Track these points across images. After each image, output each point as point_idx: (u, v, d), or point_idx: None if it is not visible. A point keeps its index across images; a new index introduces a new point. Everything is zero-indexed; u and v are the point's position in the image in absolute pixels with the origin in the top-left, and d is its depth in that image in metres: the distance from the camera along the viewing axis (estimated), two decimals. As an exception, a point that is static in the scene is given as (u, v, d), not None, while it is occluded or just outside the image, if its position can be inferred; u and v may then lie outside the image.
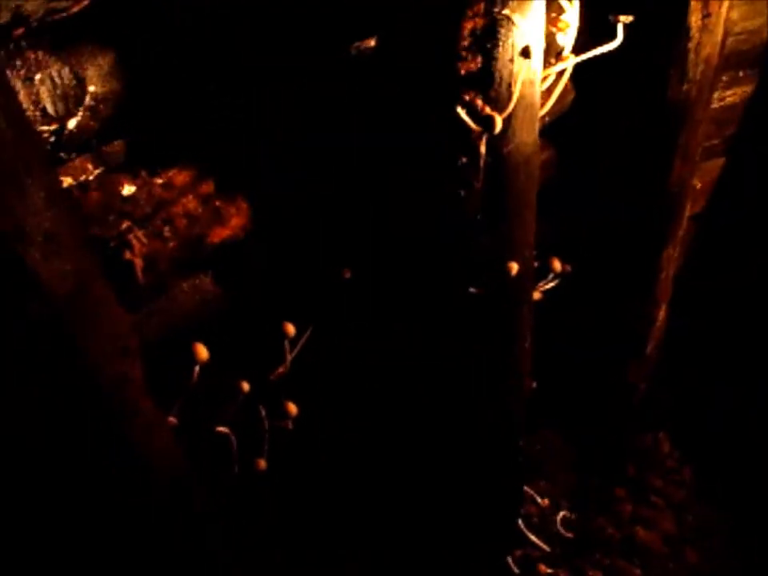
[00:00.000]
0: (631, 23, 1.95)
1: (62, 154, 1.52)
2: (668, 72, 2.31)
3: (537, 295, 2.35)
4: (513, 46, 1.66)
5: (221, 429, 1.90)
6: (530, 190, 1.96)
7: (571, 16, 1.87)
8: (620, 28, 1.92)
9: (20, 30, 1.33)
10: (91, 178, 1.57)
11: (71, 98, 1.47)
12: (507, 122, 1.76)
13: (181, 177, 1.71)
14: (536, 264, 2.27)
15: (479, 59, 1.66)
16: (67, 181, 1.54)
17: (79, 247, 1.26)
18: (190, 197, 1.73)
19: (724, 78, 2.74)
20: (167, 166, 1.70)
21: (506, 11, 1.60)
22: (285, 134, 1.87)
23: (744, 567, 3.06)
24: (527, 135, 1.84)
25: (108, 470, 1.49)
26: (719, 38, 2.31)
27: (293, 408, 1.99)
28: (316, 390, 2.26)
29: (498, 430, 2.46)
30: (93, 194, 1.57)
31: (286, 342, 1.96)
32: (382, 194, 2.07)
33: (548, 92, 1.97)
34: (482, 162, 1.80)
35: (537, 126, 1.88)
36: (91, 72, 1.49)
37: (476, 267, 2.03)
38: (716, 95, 2.69)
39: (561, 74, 1.96)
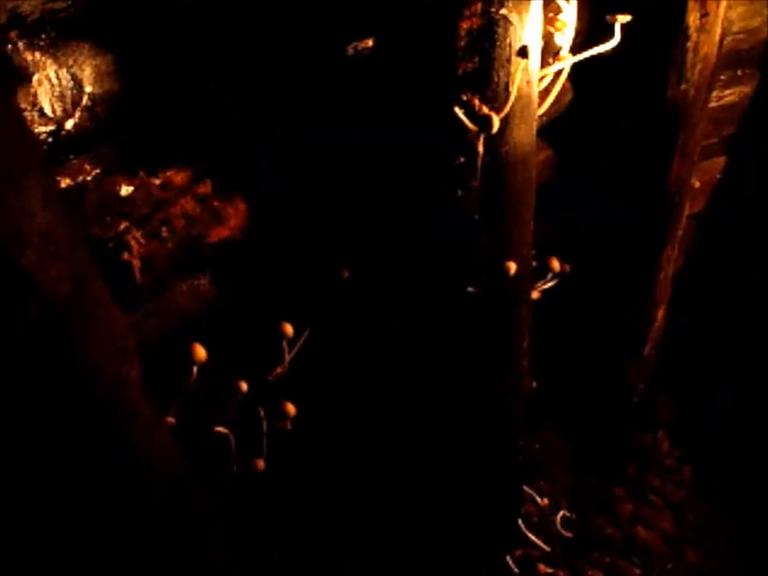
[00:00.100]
0: (629, 23, 1.95)
1: (59, 155, 1.52)
2: (666, 72, 2.32)
3: (535, 295, 2.35)
4: (510, 45, 1.66)
5: (219, 429, 1.90)
6: (527, 190, 1.96)
7: (568, 16, 1.87)
8: (617, 28, 1.92)
9: (17, 31, 1.33)
10: (89, 178, 1.57)
11: (69, 99, 1.48)
12: (505, 121, 1.76)
13: (179, 177, 1.71)
14: (535, 264, 2.27)
15: (476, 59, 1.66)
16: (65, 181, 1.54)
17: (77, 248, 1.26)
18: (188, 197, 1.73)
19: (722, 78, 2.74)
20: (165, 166, 1.70)
21: (503, 11, 1.59)
22: (284, 134, 1.87)
23: (744, 567, 3.06)
24: (525, 135, 1.84)
25: (108, 470, 1.49)
26: (717, 37, 2.31)
27: (291, 408, 1.99)
28: (316, 389, 2.26)
29: (497, 430, 2.46)
30: (90, 195, 1.57)
31: (285, 343, 1.96)
32: (382, 194, 2.07)
33: (546, 92, 1.97)
34: (479, 162, 1.80)
35: (534, 125, 1.88)
36: (89, 73, 1.49)
37: (474, 267, 2.03)
38: (714, 94, 2.70)
39: (558, 73, 1.96)
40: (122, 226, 1.60)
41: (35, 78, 1.41)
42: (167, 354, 1.72)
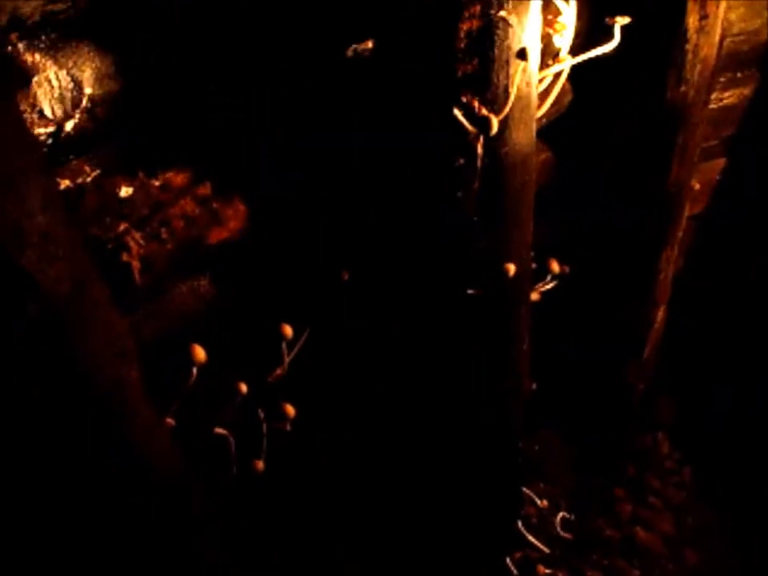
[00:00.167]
0: (629, 24, 1.95)
1: (59, 156, 1.53)
2: (666, 73, 2.32)
3: (535, 296, 2.35)
4: (509, 47, 1.66)
5: (219, 430, 1.91)
6: (526, 192, 1.97)
7: (568, 18, 1.87)
8: (617, 29, 1.92)
9: (17, 33, 1.34)
10: (89, 180, 1.57)
11: (68, 101, 1.48)
12: (504, 123, 1.76)
13: (178, 179, 1.71)
14: (534, 265, 2.27)
15: (476, 61, 1.67)
16: (65, 183, 1.54)
17: (76, 249, 1.27)
18: (188, 199, 1.73)
19: (722, 80, 2.74)
20: (165, 168, 1.70)
21: (502, 13, 1.60)
22: (285, 134, 1.88)
23: (743, 568, 3.06)
24: (524, 136, 1.84)
25: (108, 470, 1.49)
26: (716, 39, 2.31)
27: (291, 410, 1.99)
28: (316, 389, 2.26)
29: (497, 431, 2.46)
30: (90, 196, 1.57)
31: (284, 344, 1.97)
32: (382, 194, 2.07)
33: (545, 93, 1.97)
34: (479, 163, 1.80)
35: (534, 127, 1.89)
36: (88, 74, 1.49)
37: (474, 268, 2.03)
38: (714, 96, 2.70)
39: (558, 75, 1.96)
40: (122, 227, 1.61)
41: (35, 79, 1.42)
42: (167, 354, 1.72)
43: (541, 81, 1.92)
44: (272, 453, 2.02)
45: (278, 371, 2.00)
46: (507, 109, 1.74)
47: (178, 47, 1.62)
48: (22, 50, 1.39)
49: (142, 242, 1.63)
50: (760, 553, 3.08)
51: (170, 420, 1.76)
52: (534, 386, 2.68)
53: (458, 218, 1.93)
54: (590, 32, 2.15)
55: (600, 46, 1.93)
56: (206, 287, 1.89)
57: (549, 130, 2.37)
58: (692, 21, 2.21)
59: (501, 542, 2.94)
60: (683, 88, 2.34)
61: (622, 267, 2.82)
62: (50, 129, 1.47)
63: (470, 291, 2.05)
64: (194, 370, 1.73)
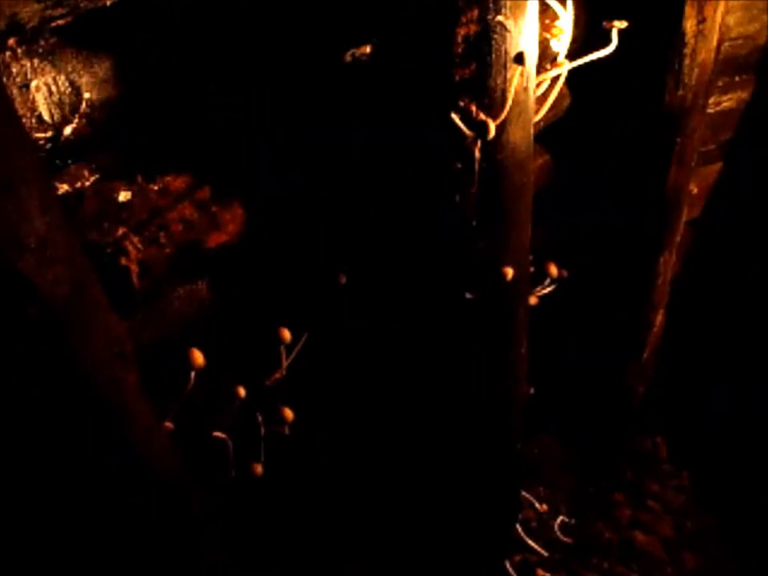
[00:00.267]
0: (627, 29, 1.95)
1: (57, 161, 1.53)
2: (663, 77, 2.32)
3: (533, 300, 2.36)
4: (506, 52, 1.66)
5: (217, 434, 1.91)
6: (524, 196, 1.97)
7: (565, 22, 1.88)
8: (614, 34, 1.92)
9: (16, 37, 1.34)
10: (87, 184, 1.58)
11: (67, 105, 1.48)
12: (501, 127, 1.76)
13: (177, 183, 1.71)
14: (533, 269, 2.27)
15: (473, 65, 1.67)
16: (63, 187, 1.55)
17: (75, 253, 1.27)
18: (187, 203, 1.73)
19: (720, 83, 2.75)
20: (163, 172, 1.70)
21: (499, 18, 1.60)
22: (285, 135, 1.88)
23: (742, 571, 3.06)
24: (521, 140, 1.84)
25: (108, 470, 1.50)
26: (714, 43, 2.31)
27: (289, 414, 1.99)
28: (316, 390, 2.26)
29: (496, 432, 2.46)
30: (89, 201, 1.57)
31: (283, 347, 1.97)
32: (382, 195, 2.08)
33: (543, 97, 1.97)
34: (476, 167, 1.81)
35: (531, 131, 1.89)
36: (87, 79, 1.50)
37: (472, 271, 2.04)
38: (712, 100, 2.70)
39: (555, 79, 1.96)
40: (120, 232, 1.61)
41: (34, 84, 1.42)
42: (165, 358, 1.72)
43: (538, 85, 1.92)
44: (272, 453, 2.02)
45: (277, 375, 2.01)
46: (505, 113, 1.74)
47: (178, 47, 1.62)
48: (20, 54, 1.39)
49: (140, 246, 1.63)
50: (758, 556, 3.08)
51: (168, 424, 1.77)
52: (533, 389, 2.69)
53: (456, 220, 1.94)
54: (587, 36, 2.16)
55: (598, 50, 1.94)
56: (204, 291, 1.89)
57: (547, 134, 2.37)
58: (690, 25, 2.21)
59: (500, 545, 2.94)
60: (681, 92, 2.34)
61: (621, 271, 2.82)
62: (49, 133, 1.48)
63: (468, 295, 2.05)
64: (193, 374, 1.73)
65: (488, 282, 2.05)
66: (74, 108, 1.49)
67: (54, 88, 1.45)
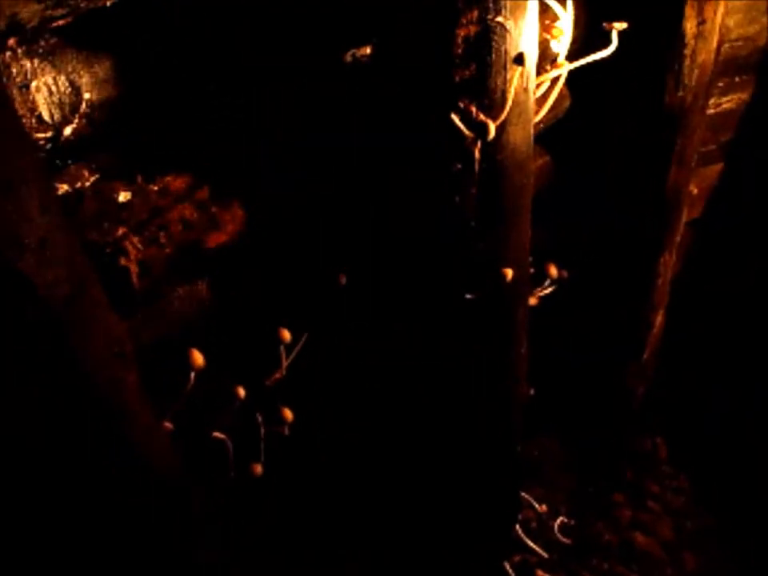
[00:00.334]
0: (627, 30, 1.96)
1: (57, 161, 1.53)
2: (664, 78, 2.32)
3: (533, 301, 2.36)
4: (506, 53, 1.66)
5: (217, 434, 1.91)
6: (524, 197, 1.97)
7: (565, 23, 1.88)
8: (614, 35, 1.93)
9: (16, 38, 1.34)
10: (87, 184, 1.58)
11: (67, 106, 1.49)
12: (501, 128, 1.76)
13: (177, 183, 1.71)
14: (533, 270, 2.27)
15: (473, 66, 1.67)
16: (63, 187, 1.55)
17: (74, 253, 1.27)
18: (187, 203, 1.74)
19: (720, 85, 2.76)
20: (163, 172, 1.70)
21: (499, 19, 1.60)
22: (285, 134, 1.88)
23: (742, 572, 3.06)
24: (521, 141, 1.85)
25: (107, 469, 1.50)
26: (714, 44, 2.31)
27: (289, 414, 1.99)
28: (316, 389, 2.26)
29: (496, 432, 2.46)
30: (89, 201, 1.57)
31: (282, 348, 1.97)
32: (382, 194, 2.08)
33: (543, 98, 1.98)
34: (476, 168, 1.81)
35: (531, 132, 1.89)
36: (87, 79, 1.50)
37: (472, 272, 2.04)
38: (712, 101, 2.70)
39: (555, 80, 1.97)
40: (120, 232, 1.61)
41: (34, 84, 1.42)
42: (165, 359, 1.72)
43: (538, 86, 1.92)
44: (272, 453, 2.02)
45: (277, 375, 2.01)
46: (504, 114, 1.74)
47: (178, 47, 1.62)
48: (21, 54, 1.39)
49: (140, 246, 1.63)
50: (759, 556, 3.08)
51: (168, 424, 1.77)
52: (533, 390, 2.68)
53: (455, 221, 1.94)
54: (587, 37, 2.16)
55: (598, 51, 1.94)
56: (204, 291, 1.89)
57: (547, 135, 2.37)
58: (689, 26, 2.21)
59: (499, 546, 2.94)
60: (681, 93, 2.34)
61: (621, 271, 2.82)
62: (49, 133, 1.48)
63: (468, 295, 2.05)
64: (193, 375, 1.74)
65: (488, 283, 2.05)
66: (74, 108, 1.50)
67: (54, 88, 1.45)
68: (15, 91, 1.40)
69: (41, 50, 1.42)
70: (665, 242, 2.73)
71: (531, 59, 1.73)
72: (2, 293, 1.18)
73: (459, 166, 1.81)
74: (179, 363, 1.72)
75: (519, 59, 1.68)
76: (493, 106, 1.73)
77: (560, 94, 2.03)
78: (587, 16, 2.20)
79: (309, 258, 2.08)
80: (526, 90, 1.77)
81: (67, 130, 1.50)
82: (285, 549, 2.63)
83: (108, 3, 1.39)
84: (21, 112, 1.42)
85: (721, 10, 2.25)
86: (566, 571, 3.06)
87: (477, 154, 1.78)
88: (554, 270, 2.38)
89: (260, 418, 2.00)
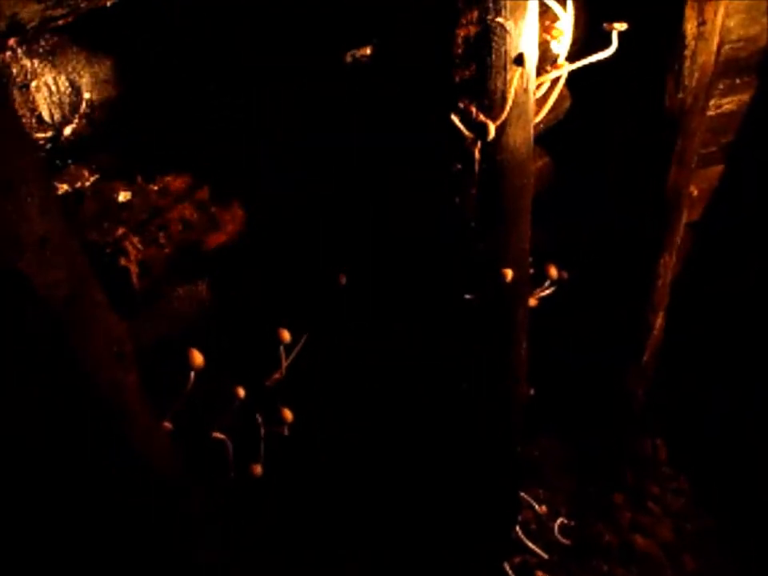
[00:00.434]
0: (627, 31, 1.96)
1: (57, 161, 1.53)
2: (664, 79, 2.32)
3: (533, 301, 2.36)
4: (506, 53, 1.66)
5: (217, 434, 1.91)
6: (524, 197, 1.97)
7: (565, 24, 1.88)
8: (614, 36, 1.93)
9: (16, 38, 1.35)
10: (87, 184, 1.58)
11: (67, 106, 1.49)
12: (501, 129, 1.76)
13: (177, 183, 1.72)
14: (533, 270, 2.27)
15: (473, 67, 1.67)
16: (63, 187, 1.55)
17: (74, 253, 1.28)
18: (186, 203, 1.74)
19: (720, 86, 2.75)
20: (163, 172, 1.70)
21: (499, 19, 1.60)
22: (285, 134, 1.88)
23: (742, 574, 3.06)
24: (521, 142, 1.85)
25: (107, 469, 1.50)
26: (715, 45, 2.31)
27: (289, 414, 2.00)
28: (315, 389, 2.26)
29: (496, 432, 2.46)
30: (89, 201, 1.57)
31: (282, 348, 1.97)
32: (382, 195, 2.08)
33: (543, 99, 1.98)
34: (476, 169, 1.81)
35: (531, 133, 1.89)
36: (87, 79, 1.50)
37: (472, 273, 2.04)
38: (713, 103, 2.70)
39: (556, 81, 1.97)
40: (120, 232, 1.61)
41: (34, 84, 1.42)
42: (165, 359, 1.73)
43: (539, 87, 1.92)
44: (271, 453, 2.02)
45: (277, 375, 2.01)
46: (504, 115, 1.74)
47: (178, 47, 1.62)
48: (21, 54, 1.39)
49: (140, 246, 1.63)
50: (758, 558, 3.07)
51: (167, 424, 1.77)
52: (533, 391, 2.68)
53: (455, 221, 1.94)
54: (587, 38, 2.16)
55: (598, 52, 1.94)
56: (204, 291, 1.89)
57: (547, 136, 2.37)
58: (690, 27, 2.21)
59: (499, 547, 2.94)
60: (681, 94, 2.34)
61: (621, 272, 2.82)
62: (49, 133, 1.48)
63: (467, 296, 2.05)
64: (192, 375, 1.74)
65: (488, 283, 2.05)
66: (74, 108, 1.50)
67: (54, 88, 1.45)
68: (15, 91, 1.40)
69: (41, 50, 1.42)
70: (665, 243, 2.72)
71: (531, 60, 1.74)
72: (2, 293, 1.18)
73: (459, 166, 1.82)
74: (179, 363, 1.73)
75: (519, 60, 1.69)
76: (493, 106, 1.73)
77: (560, 95, 2.04)
78: (587, 17, 2.20)
79: (309, 258, 2.08)
80: (526, 90, 1.77)
81: (67, 130, 1.50)
82: (285, 549, 2.63)
83: (108, 3, 1.39)
84: (21, 112, 1.42)
85: (721, 11, 2.25)
86: (565, 572, 3.05)
87: (477, 155, 1.78)
88: (554, 271, 2.38)
89: (260, 419, 2.00)
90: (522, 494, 3.08)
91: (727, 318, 3.47)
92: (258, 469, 2.00)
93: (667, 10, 2.20)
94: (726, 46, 2.56)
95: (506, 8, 1.60)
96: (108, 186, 1.61)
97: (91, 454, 1.47)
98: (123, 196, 1.62)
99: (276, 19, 1.72)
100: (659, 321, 3.00)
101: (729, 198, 3.12)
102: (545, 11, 1.85)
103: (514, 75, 1.70)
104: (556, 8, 1.86)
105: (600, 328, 3.00)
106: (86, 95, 1.51)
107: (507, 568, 2.94)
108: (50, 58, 1.44)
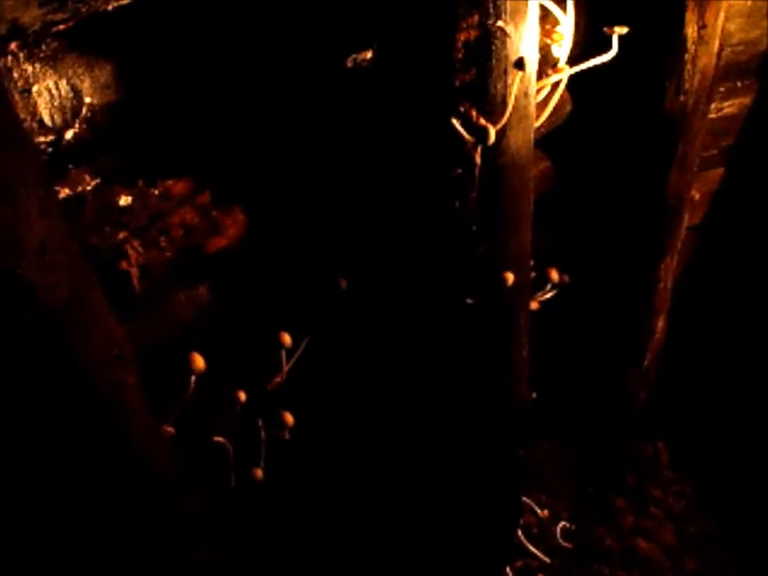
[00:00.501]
0: (628, 34, 1.96)
1: (58, 165, 1.54)
2: (664, 83, 2.32)
3: (534, 305, 2.36)
4: (507, 57, 1.66)
5: (217, 438, 1.91)
6: (525, 201, 1.97)
7: (566, 28, 1.88)
8: (615, 40, 1.93)
9: (17, 42, 1.35)
10: (88, 188, 1.58)
11: (68, 110, 1.49)
12: (502, 133, 1.76)
13: (178, 187, 1.72)
14: (534, 274, 2.27)
15: (473, 71, 1.67)
16: (64, 191, 1.55)
17: (74, 256, 1.28)
18: (188, 207, 1.74)
19: (721, 89, 2.75)
20: (164, 176, 1.71)
21: (499, 23, 1.60)
22: (285, 134, 1.88)
23: (743, 577, 3.06)
24: (522, 146, 1.85)
25: (107, 469, 1.50)
26: (715, 49, 2.32)
27: (289, 418, 2.00)
28: (316, 388, 2.26)
29: (495, 434, 2.46)
30: (90, 205, 1.58)
31: (283, 352, 1.97)
32: (382, 195, 2.08)
33: (544, 103, 1.98)
34: (477, 173, 1.81)
35: (532, 136, 1.89)
36: (88, 83, 1.50)
37: (473, 276, 2.04)
38: (714, 106, 2.70)
39: (556, 85, 1.97)
40: (121, 236, 1.61)
41: (35, 88, 1.42)
42: (166, 362, 1.73)
43: (539, 91, 1.93)
44: (272, 452, 2.02)
45: (277, 379, 2.01)
46: (505, 119, 1.74)
47: (178, 47, 1.62)
48: (22, 59, 1.40)
49: (141, 250, 1.64)
50: (760, 561, 3.07)
51: (169, 428, 1.77)
52: (534, 395, 2.68)
53: (456, 225, 1.94)
54: (588, 42, 2.16)
55: (598, 56, 1.94)
56: (204, 295, 1.90)
57: (548, 140, 2.38)
58: (690, 31, 2.21)
59: (501, 550, 2.93)
60: (682, 98, 2.34)
61: (622, 276, 2.82)
62: (50, 138, 1.48)
63: (468, 300, 2.05)
64: (193, 379, 1.74)
65: (489, 287, 2.05)
66: (76, 112, 1.50)
67: (55, 93, 1.46)
68: (17, 95, 1.40)
69: (42, 55, 1.42)
70: (666, 247, 2.73)
71: (532, 64, 1.74)
72: (3, 296, 1.19)
73: (459, 170, 1.82)
74: (180, 367, 1.73)
75: (520, 64, 1.69)
76: (493, 110, 1.73)
77: (561, 99, 2.04)
78: (588, 21, 2.20)
79: (309, 260, 2.08)
80: (526, 94, 1.77)
81: (68, 135, 1.50)
82: (285, 548, 2.63)
83: (109, 8, 1.40)
84: (22, 116, 1.42)
85: (722, 14, 2.25)
86: (567, 576, 3.06)
87: (477, 159, 1.78)
88: (555, 275, 2.38)
89: (261, 422, 2.01)
90: (524, 498, 3.08)
91: (728, 322, 3.47)
92: (259, 473, 2.00)
93: (668, 14, 2.21)
94: (727, 50, 2.56)
95: (506, 12, 1.60)
96: (109, 190, 1.61)
97: (92, 453, 1.47)
98: (124, 200, 1.62)
99: (276, 19, 1.72)
100: (661, 324, 2.99)
101: (730, 201, 3.12)
102: (545, 15, 1.85)
103: (515, 79, 1.70)
104: (556, 12, 1.86)
105: (601, 332, 3.00)
106: (87, 99, 1.51)
107: (509, 571, 2.93)
108: (51, 62, 1.44)
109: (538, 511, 3.17)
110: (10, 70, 1.38)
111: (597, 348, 3.05)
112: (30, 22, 1.28)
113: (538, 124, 1.95)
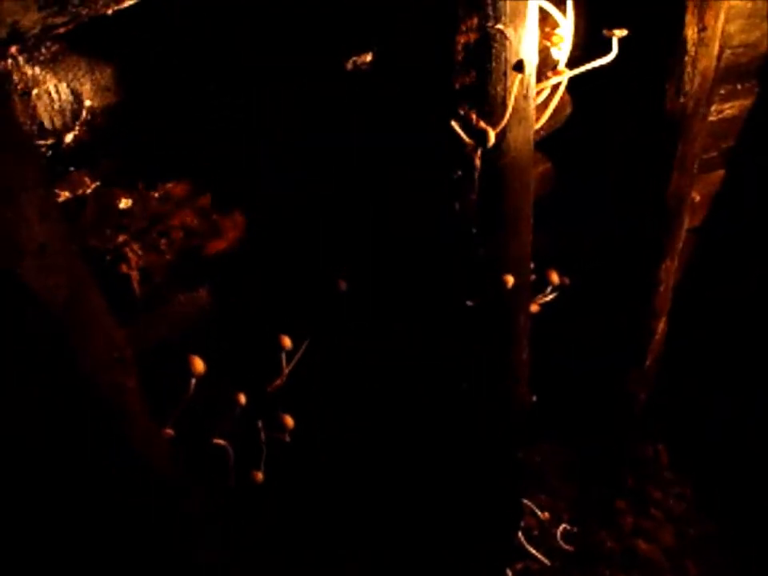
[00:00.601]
0: (628, 37, 1.96)
1: (59, 168, 1.54)
2: (665, 85, 2.32)
3: (534, 308, 2.36)
4: (506, 60, 1.66)
5: (218, 441, 1.91)
6: (525, 204, 1.97)
7: (565, 30, 1.88)
8: (615, 42, 1.93)
9: (17, 46, 1.35)
10: (88, 191, 1.58)
11: (68, 113, 1.49)
12: (501, 135, 1.77)
13: (177, 190, 1.72)
14: (534, 276, 2.27)
15: (473, 73, 1.67)
16: (64, 194, 1.55)
17: (74, 259, 1.28)
18: (187, 210, 1.74)
19: (722, 92, 2.75)
20: (164, 179, 1.71)
21: (498, 26, 1.60)
22: (285, 134, 1.88)
23: (743, 578, 3.06)
24: (522, 148, 1.85)
25: (107, 469, 1.50)
26: (715, 51, 2.32)
27: (290, 421, 2.00)
28: (316, 389, 2.26)
29: (495, 435, 2.46)
30: (90, 208, 1.58)
31: (283, 354, 1.97)
32: (382, 196, 2.08)
33: (543, 105, 1.98)
34: (476, 175, 1.81)
35: (532, 139, 1.89)
36: (88, 86, 1.50)
37: (472, 278, 2.04)
38: (714, 108, 2.70)
39: (556, 87, 1.97)
40: (121, 239, 1.62)
41: (35, 92, 1.43)
42: (166, 365, 1.73)
43: (539, 93, 1.93)
44: (272, 454, 2.02)
45: (278, 381, 2.01)
46: (505, 121, 1.74)
47: (179, 47, 1.63)
48: (22, 62, 1.40)
49: (140, 252, 1.64)
50: (760, 563, 3.07)
51: (169, 431, 1.77)
52: (534, 397, 2.68)
53: (456, 227, 1.94)
54: (588, 44, 2.16)
55: (598, 58, 1.94)
56: (204, 297, 1.90)
57: (548, 142, 2.38)
58: (690, 33, 2.21)
59: (501, 552, 2.93)
60: (682, 99, 2.34)
61: (622, 278, 2.82)
62: (50, 141, 1.48)
63: (468, 302, 2.05)
64: (193, 381, 1.74)
65: (488, 289, 2.05)
66: (75, 115, 1.50)
67: (55, 96, 1.46)
68: (17, 99, 1.40)
69: (42, 58, 1.42)
70: (666, 249, 2.72)
71: (531, 66, 1.74)
72: (3, 297, 1.19)
73: (459, 172, 1.82)
74: (180, 369, 1.73)
75: (519, 66, 1.69)
76: (493, 112, 1.73)
77: (561, 102, 2.04)
78: (587, 23, 2.20)
79: (309, 261, 2.08)
80: (526, 97, 1.78)
81: (68, 137, 1.50)
82: (285, 549, 2.63)
83: (109, 11, 1.40)
84: (22, 119, 1.42)
85: (722, 16, 2.25)
86: (567, 579, 3.05)
87: (477, 161, 1.79)
88: (555, 277, 2.38)
89: (260, 424, 2.01)
90: (525, 500, 3.07)
91: (729, 324, 3.47)
92: (259, 476, 2.00)
93: (668, 16, 2.21)
94: (727, 52, 2.56)
95: (505, 15, 1.60)
96: (109, 193, 1.61)
97: (92, 455, 1.47)
98: (124, 203, 1.63)
99: (276, 19, 1.72)
100: (661, 326, 2.99)
101: (730, 203, 3.12)
102: (545, 18, 1.85)
103: (514, 82, 1.70)
104: (556, 14, 1.87)
105: (602, 333, 3.00)
106: (87, 102, 1.51)
107: (509, 573, 2.93)
108: (52, 65, 1.44)
109: (539, 513, 3.16)
110: (9, 74, 1.38)
111: (597, 349, 3.05)
112: (30, 25, 1.28)
113: (537, 126, 1.96)
